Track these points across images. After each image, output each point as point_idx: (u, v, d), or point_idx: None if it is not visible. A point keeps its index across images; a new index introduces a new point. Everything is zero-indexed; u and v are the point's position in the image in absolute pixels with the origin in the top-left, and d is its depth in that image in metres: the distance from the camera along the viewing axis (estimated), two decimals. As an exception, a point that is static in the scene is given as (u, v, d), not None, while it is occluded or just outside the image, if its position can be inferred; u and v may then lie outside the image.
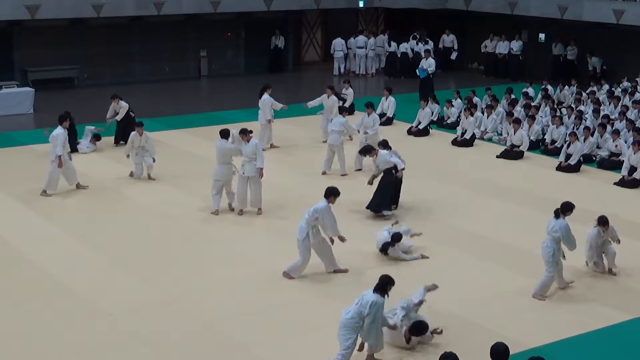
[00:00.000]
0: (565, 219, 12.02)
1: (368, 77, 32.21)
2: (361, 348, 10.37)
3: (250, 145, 15.27)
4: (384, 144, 15.75)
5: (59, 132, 16.49)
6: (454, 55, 32.35)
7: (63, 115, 17.03)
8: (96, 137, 20.05)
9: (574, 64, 29.59)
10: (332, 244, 12.67)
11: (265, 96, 19.87)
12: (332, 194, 12.63)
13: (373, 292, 10.01)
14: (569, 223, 12.03)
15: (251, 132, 15.58)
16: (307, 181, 17.63)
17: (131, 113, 20.20)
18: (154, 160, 17.47)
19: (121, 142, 19.89)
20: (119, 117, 20.19)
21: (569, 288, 12.31)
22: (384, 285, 10.05)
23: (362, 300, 9.98)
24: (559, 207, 12.15)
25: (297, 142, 20.86)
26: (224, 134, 15.43)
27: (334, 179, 16.89)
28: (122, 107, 20.20)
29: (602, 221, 12.73)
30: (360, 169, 18.26)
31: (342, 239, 12.62)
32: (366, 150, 15.77)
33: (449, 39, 32.47)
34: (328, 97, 20.51)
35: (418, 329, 10.45)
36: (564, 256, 12.14)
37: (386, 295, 10.05)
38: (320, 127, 20.98)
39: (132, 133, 17.45)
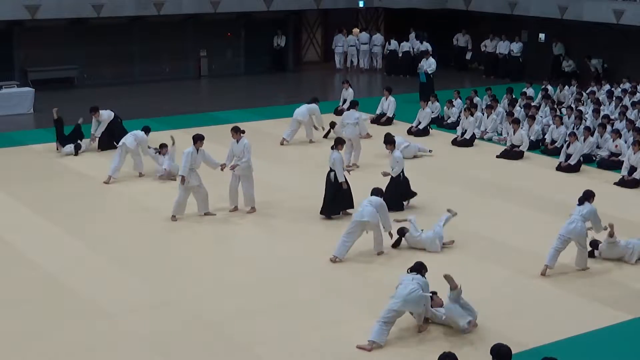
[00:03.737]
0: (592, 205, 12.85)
1: (372, 73, 32.70)
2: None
3: (240, 145, 15.28)
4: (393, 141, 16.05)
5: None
6: (469, 55, 32.62)
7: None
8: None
9: (577, 72, 29.62)
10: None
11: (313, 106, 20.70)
12: None
13: (415, 273, 10.91)
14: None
15: (243, 131, 15.57)
16: (308, 180, 17.63)
17: (118, 118, 20.08)
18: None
19: (101, 148, 19.89)
20: (98, 133, 19.73)
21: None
22: (420, 268, 11.02)
23: (415, 279, 10.78)
24: (582, 195, 13.02)
25: (298, 142, 20.87)
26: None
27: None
28: (104, 119, 19.73)
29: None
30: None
31: None
32: (386, 141, 16.05)
33: (463, 39, 32.64)
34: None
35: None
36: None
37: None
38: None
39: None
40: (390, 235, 13.59)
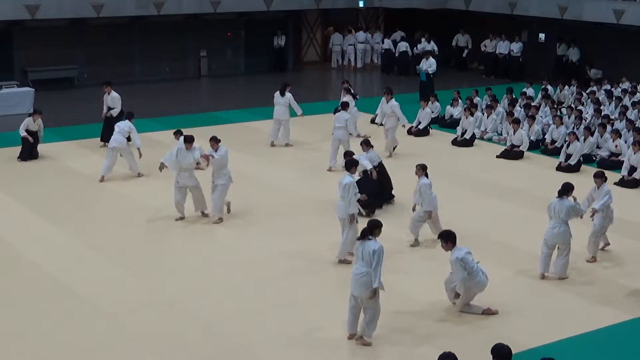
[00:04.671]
0: (569, 198, 12.69)
1: (369, 72, 32.96)
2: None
3: (218, 155, 15.07)
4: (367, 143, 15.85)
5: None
6: (465, 53, 32.76)
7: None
8: (37, 112, 19.50)
9: (576, 64, 29.63)
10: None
11: (288, 94, 20.59)
12: (352, 165, 13.34)
13: (366, 239, 10.43)
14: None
15: (219, 140, 15.26)
16: (306, 181, 17.63)
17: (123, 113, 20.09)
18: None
19: (103, 141, 19.93)
20: (114, 112, 19.80)
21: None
22: (372, 228, 10.52)
23: (364, 253, 10.38)
24: (561, 188, 12.81)
25: (297, 142, 20.86)
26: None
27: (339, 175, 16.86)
28: (113, 95, 19.86)
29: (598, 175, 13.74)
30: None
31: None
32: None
33: (463, 39, 32.71)
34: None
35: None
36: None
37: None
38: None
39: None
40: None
